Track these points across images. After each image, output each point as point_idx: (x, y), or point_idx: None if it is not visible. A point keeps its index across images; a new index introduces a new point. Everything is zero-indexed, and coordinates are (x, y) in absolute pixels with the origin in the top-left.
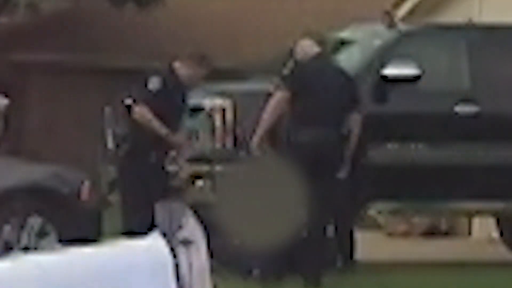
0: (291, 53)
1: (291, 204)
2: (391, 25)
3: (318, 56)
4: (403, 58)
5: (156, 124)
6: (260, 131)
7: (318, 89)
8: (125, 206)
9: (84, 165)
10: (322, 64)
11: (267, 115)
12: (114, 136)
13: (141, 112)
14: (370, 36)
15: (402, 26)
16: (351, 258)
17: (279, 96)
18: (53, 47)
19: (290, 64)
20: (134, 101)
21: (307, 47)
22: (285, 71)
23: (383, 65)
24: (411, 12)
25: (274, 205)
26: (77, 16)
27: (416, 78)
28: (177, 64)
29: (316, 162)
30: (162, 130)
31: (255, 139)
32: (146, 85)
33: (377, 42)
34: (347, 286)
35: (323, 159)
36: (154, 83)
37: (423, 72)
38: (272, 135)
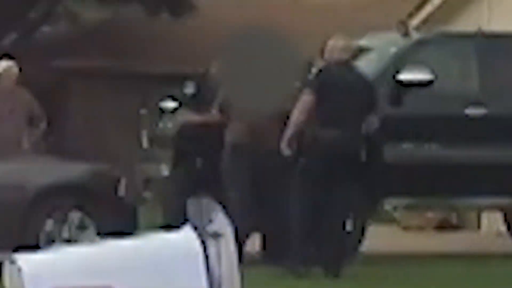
0: (321, 52)
1: (314, 199)
2: (406, 33)
3: (342, 62)
4: (417, 64)
5: None
6: (289, 132)
7: (340, 93)
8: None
9: (121, 163)
10: (344, 69)
11: (295, 117)
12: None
13: None
14: (386, 43)
15: (416, 35)
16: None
17: (306, 99)
18: (93, 54)
19: (315, 69)
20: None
21: (338, 51)
22: (311, 76)
23: (398, 71)
24: (425, 21)
25: (298, 199)
26: (115, 25)
27: (429, 83)
28: None
29: (339, 160)
30: None
31: (285, 139)
32: None
33: (393, 50)
34: (364, 276)
35: (344, 158)
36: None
37: (436, 77)
38: (299, 135)
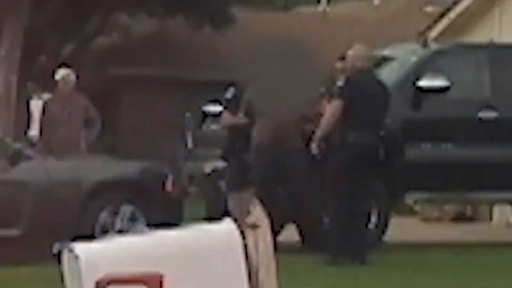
0: (342, 58)
1: (342, 194)
2: (425, 44)
3: (365, 70)
4: (435, 72)
5: None
6: (319, 133)
7: (365, 98)
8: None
9: (168, 161)
10: (367, 76)
11: (326, 120)
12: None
13: None
14: (407, 53)
15: (434, 45)
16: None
17: (336, 104)
18: (143, 62)
19: (342, 77)
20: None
21: (361, 60)
22: (340, 84)
23: (418, 78)
24: (442, 33)
25: (328, 195)
26: (162, 37)
27: (445, 89)
28: None
29: (365, 159)
30: None
31: (315, 140)
32: None
33: (414, 59)
34: (388, 263)
35: (370, 157)
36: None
37: (452, 83)
38: (327, 136)
